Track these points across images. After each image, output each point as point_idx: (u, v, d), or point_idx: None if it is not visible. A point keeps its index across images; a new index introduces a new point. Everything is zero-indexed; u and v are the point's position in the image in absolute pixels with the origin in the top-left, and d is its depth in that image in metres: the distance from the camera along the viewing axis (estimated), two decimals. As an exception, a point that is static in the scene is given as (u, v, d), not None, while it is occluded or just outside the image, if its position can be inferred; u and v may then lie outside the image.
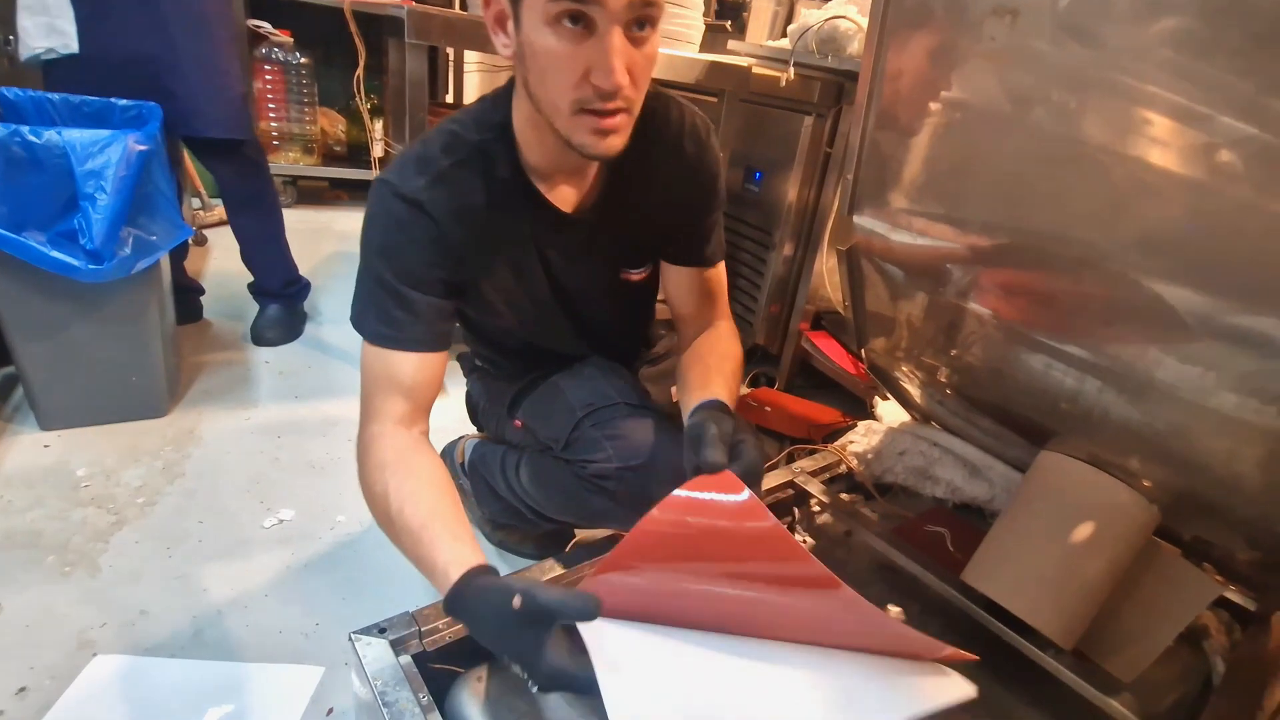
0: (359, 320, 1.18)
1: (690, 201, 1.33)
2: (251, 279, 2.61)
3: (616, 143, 1.05)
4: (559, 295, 1.33)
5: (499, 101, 1.18)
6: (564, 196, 1.23)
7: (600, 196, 1.26)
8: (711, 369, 1.23)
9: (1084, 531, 1.05)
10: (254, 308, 2.63)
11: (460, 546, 0.96)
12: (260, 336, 2.60)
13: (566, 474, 1.31)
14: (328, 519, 1.77)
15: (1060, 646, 1.02)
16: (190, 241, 3.27)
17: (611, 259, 1.34)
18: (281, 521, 1.74)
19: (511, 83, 1.15)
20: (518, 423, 1.47)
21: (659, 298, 1.51)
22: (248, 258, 2.55)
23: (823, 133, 2.41)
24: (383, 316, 1.15)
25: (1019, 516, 1.13)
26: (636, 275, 1.38)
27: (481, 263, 1.21)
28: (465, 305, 1.30)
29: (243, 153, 2.35)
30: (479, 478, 1.60)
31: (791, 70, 2.28)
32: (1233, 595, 1.20)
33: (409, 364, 1.16)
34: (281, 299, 2.64)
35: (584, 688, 0.80)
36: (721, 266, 1.41)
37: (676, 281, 1.40)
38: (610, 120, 1.01)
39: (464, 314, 1.40)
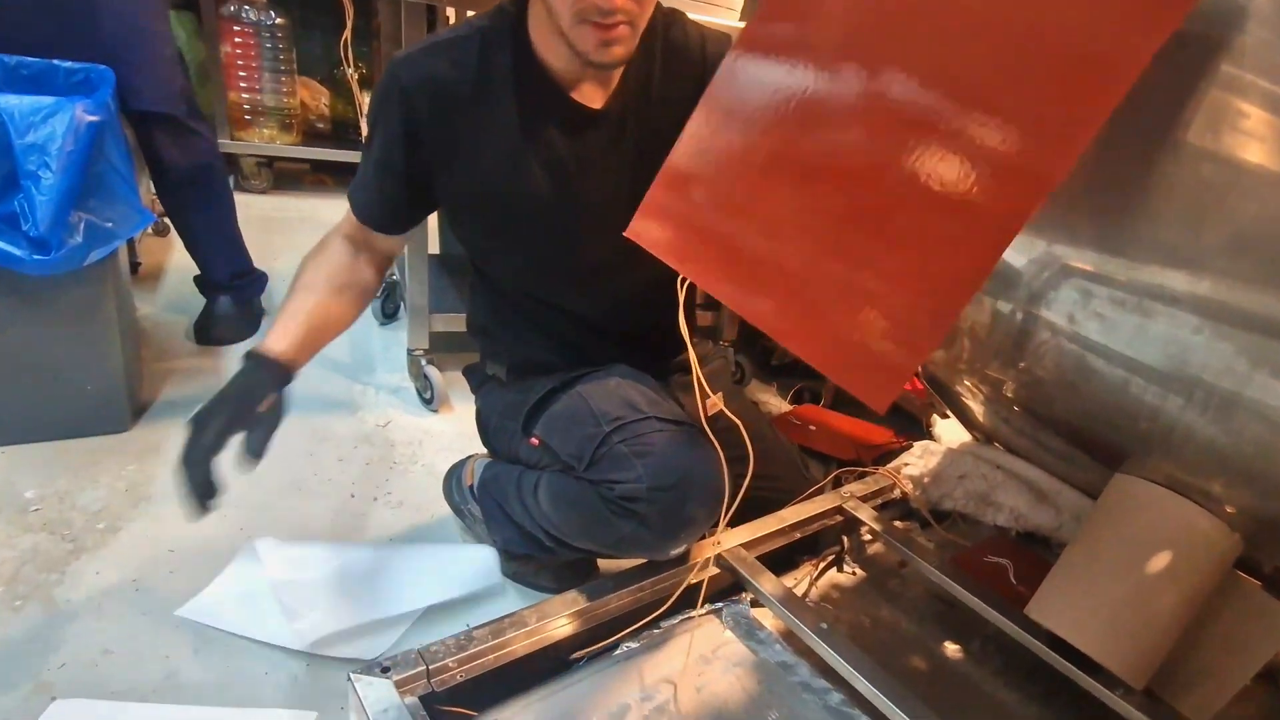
0: (351, 190, 1.50)
1: None
2: (198, 272, 2.67)
3: (619, 51, 1.25)
4: (570, 203, 1.44)
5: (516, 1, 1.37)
6: (587, 95, 1.40)
7: (624, 94, 1.42)
8: None
9: (1159, 562, 1.12)
10: (220, 308, 2.68)
11: (284, 326, 1.39)
12: (207, 334, 2.66)
13: (590, 496, 1.38)
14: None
15: (1130, 686, 1.08)
16: (150, 230, 3.34)
17: (636, 165, 1.43)
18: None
19: None
20: (534, 440, 1.54)
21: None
22: (192, 246, 2.61)
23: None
24: (358, 181, 1.49)
25: (1089, 545, 1.19)
26: None
27: (454, 147, 1.39)
28: (456, 217, 1.53)
29: (181, 123, 2.38)
30: (491, 501, 1.67)
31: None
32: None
33: (365, 229, 1.51)
34: (231, 291, 2.69)
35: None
36: None
37: None
38: (612, 31, 1.20)
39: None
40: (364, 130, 2.99)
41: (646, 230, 1.08)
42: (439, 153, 1.39)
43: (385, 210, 1.49)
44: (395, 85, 1.34)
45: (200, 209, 2.55)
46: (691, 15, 1.50)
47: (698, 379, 1.27)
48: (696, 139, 1.04)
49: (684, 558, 1.37)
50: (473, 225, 1.51)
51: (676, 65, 1.45)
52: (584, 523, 1.43)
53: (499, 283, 1.57)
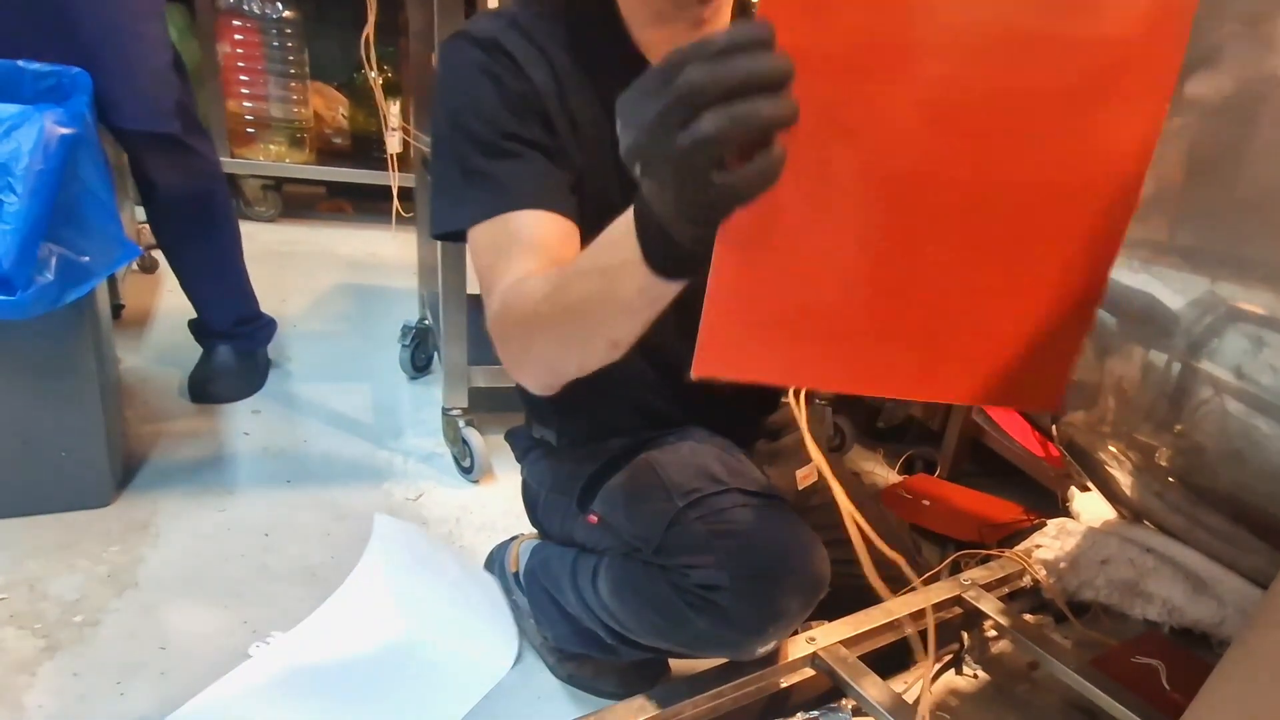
0: (449, 214, 1.33)
1: None
2: (194, 316, 2.72)
3: None
4: None
5: None
6: None
7: None
8: None
9: None
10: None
11: None
12: (203, 390, 2.71)
13: (660, 584, 1.38)
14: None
15: None
16: (136, 266, 3.43)
17: None
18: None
19: None
20: (592, 518, 1.56)
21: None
22: (188, 285, 2.66)
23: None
24: (480, 185, 1.29)
25: (1258, 644, 1.21)
26: None
27: (568, 131, 1.35)
28: None
29: (178, 140, 2.42)
30: (540, 591, 1.69)
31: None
32: None
33: (528, 221, 1.26)
34: (233, 339, 2.75)
35: None
36: None
37: None
38: None
39: None
40: (394, 176, 3.03)
41: (718, 362, 0.96)
42: (558, 137, 1.35)
43: (553, 182, 1.33)
44: (498, 52, 1.31)
45: (199, 241, 2.59)
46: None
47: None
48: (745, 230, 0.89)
49: (772, 658, 1.40)
50: None
51: None
52: (652, 616, 1.42)
53: None
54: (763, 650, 1.38)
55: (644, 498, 1.45)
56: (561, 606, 1.62)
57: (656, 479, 1.44)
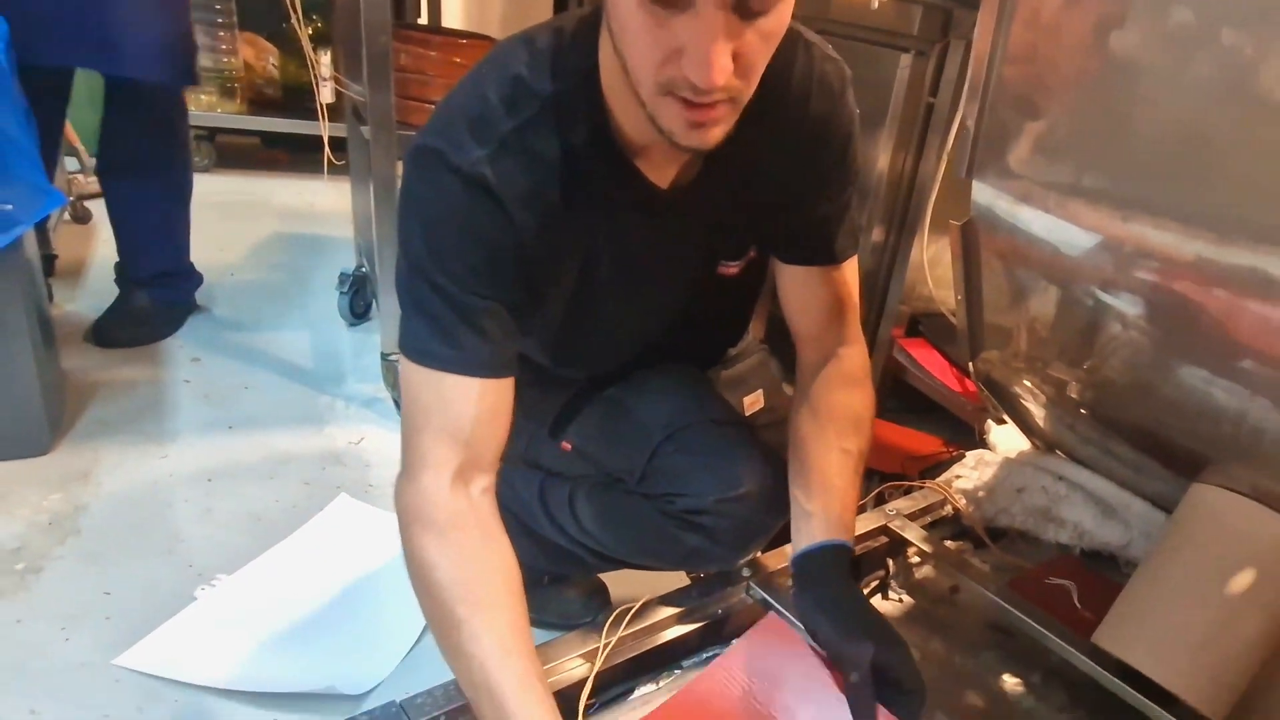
0: (401, 331, 1.23)
1: (814, 175, 1.37)
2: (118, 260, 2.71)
3: (714, 134, 1.08)
4: (633, 298, 1.42)
5: (581, 37, 1.20)
6: (659, 169, 1.27)
7: (704, 169, 1.30)
8: (832, 464, 1.35)
9: (1243, 581, 1.19)
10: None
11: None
12: (104, 333, 2.68)
13: (648, 511, 1.44)
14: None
15: (1209, 719, 1.15)
16: (69, 215, 3.37)
17: (708, 248, 1.43)
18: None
19: (598, 13, 1.16)
20: (566, 445, 1.59)
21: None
22: (126, 236, 2.65)
23: (924, 76, 2.52)
24: (437, 330, 1.19)
25: (1163, 565, 1.27)
26: (734, 268, 1.47)
27: (552, 258, 1.27)
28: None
29: (163, 100, 2.45)
30: (505, 514, 1.68)
31: (885, -13, 2.36)
32: None
33: (470, 394, 1.20)
34: (151, 288, 2.74)
35: None
36: (852, 264, 1.47)
37: (794, 287, 1.48)
38: (707, 112, 1.04)
39: None
40: (324, 126, 3.02)
41: None
42: (540, 268, 1.26)
43: (507, 345, 1.25)
44: (481, 194, 1.16)
45: (157, 200, 2.60)
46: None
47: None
48: None
49: (709, 588, 1.47)
50: (527, 322, 1.31)
51: (769, 130, 1.28)
52: (644, 540, 1.49)
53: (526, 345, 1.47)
54: (743, 561, 1.49)
55: (621, 432, 1.49)
56: (526, 526, 1.62)
57: (632, 415, 1.49)
